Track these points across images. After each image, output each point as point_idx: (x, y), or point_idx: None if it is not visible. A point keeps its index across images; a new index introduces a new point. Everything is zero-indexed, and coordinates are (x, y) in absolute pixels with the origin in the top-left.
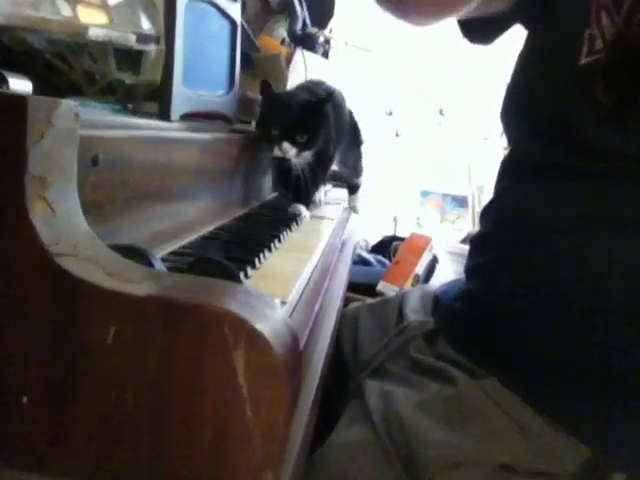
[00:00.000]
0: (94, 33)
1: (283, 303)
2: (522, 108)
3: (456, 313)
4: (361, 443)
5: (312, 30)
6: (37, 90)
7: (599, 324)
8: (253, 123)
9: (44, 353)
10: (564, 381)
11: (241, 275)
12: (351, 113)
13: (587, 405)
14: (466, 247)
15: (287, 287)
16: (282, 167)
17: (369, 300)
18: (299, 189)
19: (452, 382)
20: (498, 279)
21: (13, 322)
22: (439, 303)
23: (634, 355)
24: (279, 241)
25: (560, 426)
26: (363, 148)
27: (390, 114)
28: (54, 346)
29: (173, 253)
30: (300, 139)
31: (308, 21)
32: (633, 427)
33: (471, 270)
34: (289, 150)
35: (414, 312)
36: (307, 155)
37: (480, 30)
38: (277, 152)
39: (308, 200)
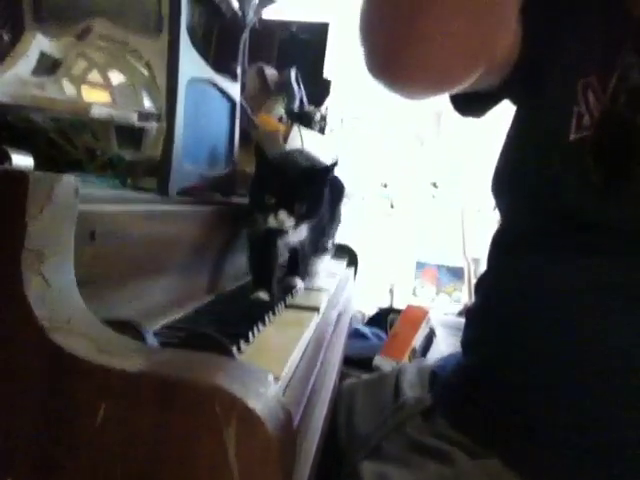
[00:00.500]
0: (97, 111)
1: (276, 379)
2: (512, 183)
3: (453, 390)
4: None
5: (309, 108)
6: (39, 166)
7: (603, 401)
8: None
9: (32, 430)
10: (568, 461)
11: (234, 349)
12: (337, 179)
13: None
14: (463, 320)
15: (281, 362)
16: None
17: (365, 376)
18: (295, 261)
19: (451, 462)
20: (495, 354)
21: (2, 396)
22: (436, 379)
23: None
24: (273, 314)
25: None
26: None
27: (385, 186)
28: (43, 423)
29: (166, 327)
30: (299, 209)
31: (305, 100)
32: None
33: (467, 344)
34: (286, 221)
35: (411, 388)
36: (303, 226)
37: (471, 104)
38: (272, 223)
39: (304, 272)
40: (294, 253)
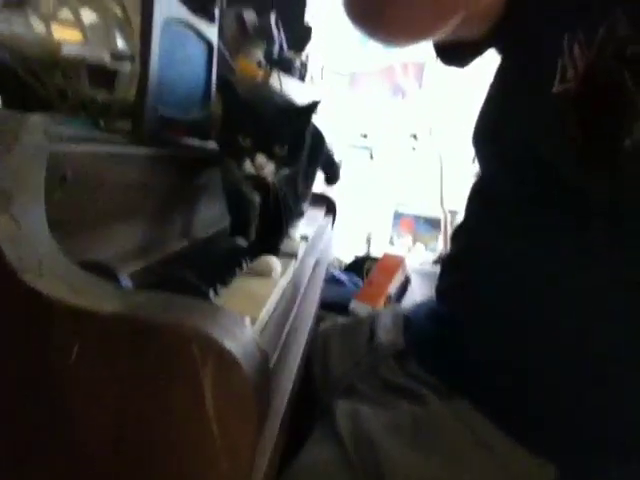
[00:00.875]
0: (67, 50)
1: (253, 322)
2: (493, 137)
3: (426, 333)
4: (329, 462)
5: (289, 54)
6: (7, 106)
7: (563, 348)
8: None
9: (5, 370)
10: (533, 403)
11: (211, 293)
12: (317, 128)
13: (555, 426)
14: (438, 269)
15: (258, 306)
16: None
17: (341, 320)
18: (275, 217)
19: (422, 401)
20: (466, 302)
21: None
22: (410, 323)
23: (605, 377)
24: (251, 259)
25: (528, 446)
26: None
27: (365, 137)
28: (16, 364)
29: (141, 270)
30: (279, 151)
31: (285, 45)
32: (600, 448)
33: (440, 291)
34: (265, 165)
35: (385, 332)
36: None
37: (455, 53)
38: (248, 168)
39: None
40: (274, 201)
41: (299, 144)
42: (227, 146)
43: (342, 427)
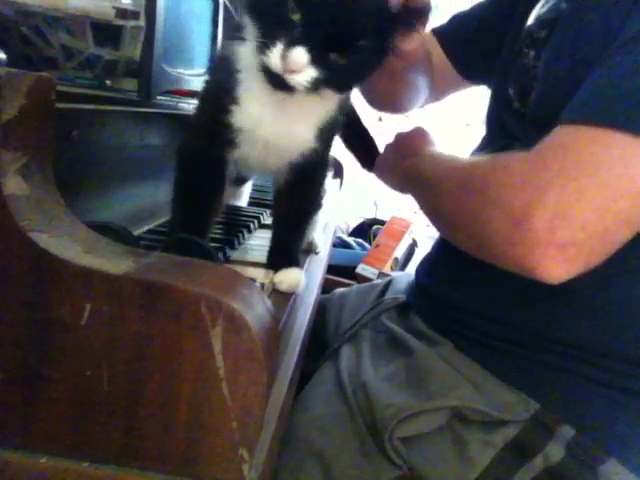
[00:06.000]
0: (72, 6)
1: (262, 284)
2: None
3: (423, 287)
4: (335, 416)
5: None
6: (12, 64)
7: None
8: None
9: (17, 331)
10: (515, 346)
11: (220, 255)
12: None
13: (536, 366)
14: None
15: (266, 268)
16: None
17: (356, 285)
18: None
19: (411, 351)
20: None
21: None
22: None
23: (578, 325)
24: (259, 222)
25: (510, 383)
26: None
27: None
28: (28, 324)
29: (150, 231)
30: (336, 59)
31: None
32: (580, 386)
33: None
34: (301, 67)
35: (395, 290)
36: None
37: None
38: (274, 60)
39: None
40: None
41: (366, 64)
42: (259, 15)
43: (346, 384)
